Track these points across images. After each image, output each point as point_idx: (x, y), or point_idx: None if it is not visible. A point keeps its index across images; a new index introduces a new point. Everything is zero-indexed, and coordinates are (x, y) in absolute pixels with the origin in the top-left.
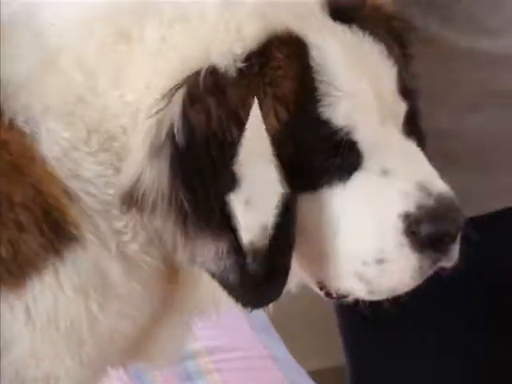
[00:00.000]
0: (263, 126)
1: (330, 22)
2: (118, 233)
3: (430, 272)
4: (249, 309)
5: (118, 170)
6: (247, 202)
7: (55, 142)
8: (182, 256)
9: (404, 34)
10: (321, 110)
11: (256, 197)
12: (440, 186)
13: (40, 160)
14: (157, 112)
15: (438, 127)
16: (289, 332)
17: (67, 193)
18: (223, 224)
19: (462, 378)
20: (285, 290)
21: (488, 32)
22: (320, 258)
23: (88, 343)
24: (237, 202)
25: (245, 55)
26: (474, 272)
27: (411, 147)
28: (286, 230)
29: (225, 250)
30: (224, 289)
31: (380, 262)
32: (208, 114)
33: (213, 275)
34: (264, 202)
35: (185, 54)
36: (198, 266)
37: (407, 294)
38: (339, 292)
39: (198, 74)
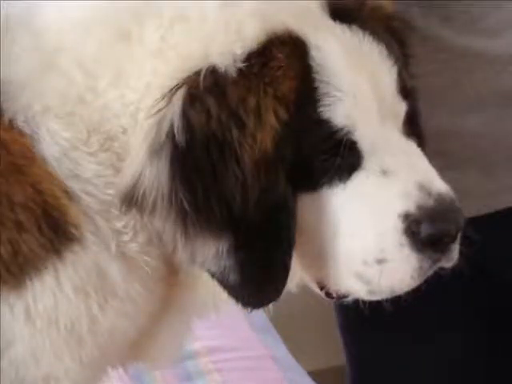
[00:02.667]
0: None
1: (329, 22)
2: (118, 233)
3: (430, 272)
4: (249, 309)
5: (117, 170)
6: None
7: (55, 142)
8: (182, 256)
9: (404, 33)
10: (321, 109)
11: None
12: (440, 186)
13: (40, 160)
14: (157, 112)
15: (437, 127)
16: (289, 332)
17: (67, 193)
18: (223, 224)
19: (463, 377)
20: (285, 290)
21: (487, 32)
22: (320, 258)
23: (88, 343)
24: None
25: (245, 55)
26: (474, 272)
27: (411, 147)
28: (286, 230)
29: (225, 250)
30: (224, 289)
31: (380, 261)
32: (208, 114)
33: (213, 275)
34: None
35: (185, 54)
36: (198, 266)
37: (407, 293)
38: (339, 292)
39: (198, 73)
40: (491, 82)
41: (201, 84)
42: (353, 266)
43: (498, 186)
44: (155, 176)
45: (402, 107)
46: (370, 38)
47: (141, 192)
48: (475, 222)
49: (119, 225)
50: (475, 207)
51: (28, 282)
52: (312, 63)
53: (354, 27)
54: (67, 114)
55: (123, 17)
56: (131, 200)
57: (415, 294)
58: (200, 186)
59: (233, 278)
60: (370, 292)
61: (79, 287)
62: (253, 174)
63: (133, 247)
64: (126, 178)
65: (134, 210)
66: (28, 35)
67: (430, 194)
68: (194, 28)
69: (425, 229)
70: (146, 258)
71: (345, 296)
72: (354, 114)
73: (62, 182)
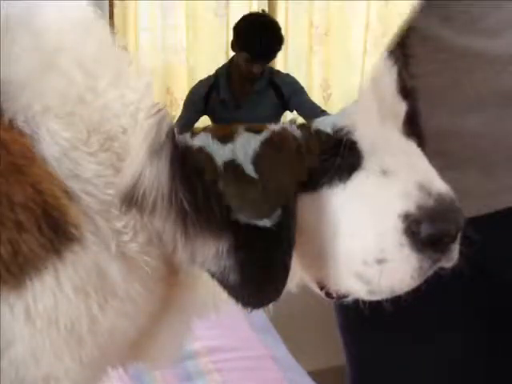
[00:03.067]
0: None
1: None
2: (118, 233)
3: (430, 272)
4: (249, 309)
5: (117, 170)
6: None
7: (55, 142)
8: (182, 256)
9: (404, 34)
10: None
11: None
12: (440, 185)
13: (40, 160)
14: (157, 112)
15: (437, 127)
16: (289, 332)
17: (67, 193)
18: (223, 224)
19: (463, 377)
20: (285, 290)
21: (487, 32)
22: (320, 258)
23: (88, 343)
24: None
25: None
26: (474, 272)
27: (411, 147)
28: (286, 230)
29: (225, 250)
30: (224, 289)
31: (380, 261)
32: None
33: (213, 275)
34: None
35: None
36: (198, 266)
37: (407, 293)
38: (339, 292)
39: None
40: (491, 82)
41: None
42: (353, 266)
43: (498, 186)
44: (155, 176)
45: (401, 107)
46: None
47: (141, 192)
48: (475, 222)
49: (119, 225)
50: (475, 207)
51: (28, 282)
52: None
53: None
54: (67, 114)
55: None
56: (131, 200)
57: (415, 294)
58: (200, 186)
59: (233, 278)
60: (370, 292)
61: (79, 287)
62: None
63: (133, 247)
64: (125, 178)
65: (134, 210)
66: (28, 35)
67: (429, 194)
68: None
69: (425, 229)
70: (146, 257)
71: (345, 296)
72: (354, 113)
73: (62, 182)
